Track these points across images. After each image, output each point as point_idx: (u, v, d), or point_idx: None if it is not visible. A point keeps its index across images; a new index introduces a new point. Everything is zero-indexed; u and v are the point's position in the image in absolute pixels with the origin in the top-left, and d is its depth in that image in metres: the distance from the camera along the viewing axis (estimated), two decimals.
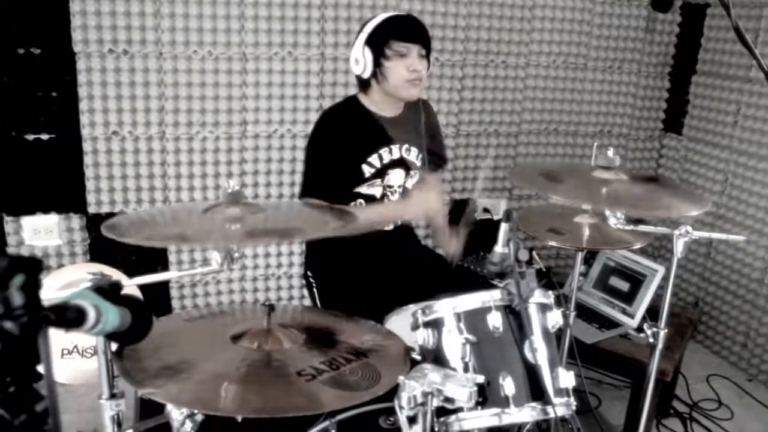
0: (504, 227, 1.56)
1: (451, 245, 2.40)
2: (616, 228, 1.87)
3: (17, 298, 0.65)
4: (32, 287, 0.66)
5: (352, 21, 3.05)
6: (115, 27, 2.76)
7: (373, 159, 2.28)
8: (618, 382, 3.02)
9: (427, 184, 2.32)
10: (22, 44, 2.67)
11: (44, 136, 2.79)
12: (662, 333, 1.95)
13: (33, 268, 0.67)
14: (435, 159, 2.51)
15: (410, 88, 2.24)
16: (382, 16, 2.25)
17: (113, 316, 0.84)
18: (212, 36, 2.90)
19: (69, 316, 0.77)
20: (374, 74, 2.23)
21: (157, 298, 3.09)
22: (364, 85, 2.30)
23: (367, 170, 2.28)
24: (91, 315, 0.80)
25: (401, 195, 2.38)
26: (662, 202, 1.93)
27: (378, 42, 2.20)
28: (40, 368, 0.68)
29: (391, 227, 2.40)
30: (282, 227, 1.54)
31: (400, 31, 2.21)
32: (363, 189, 2.30)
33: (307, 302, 2.74)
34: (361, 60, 2.22)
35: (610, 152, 1.92)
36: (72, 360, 2.50)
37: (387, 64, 2.20)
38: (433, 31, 2.28)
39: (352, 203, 2.29)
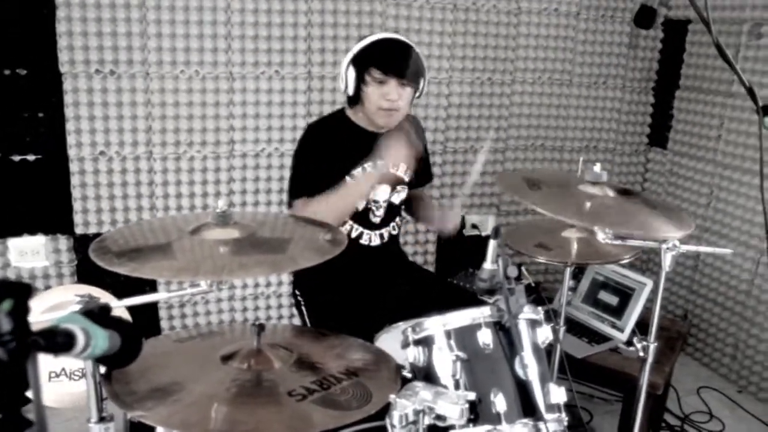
0: (492, 244, 1.57)
1: (445, 219, 2.40)
2: (604, 242, 1.87)
3: (5, 324, 0.65)
4: (20, 312, 0.66)
5: (338, 40, 3.07)
6: (102, 47, 2.76)
7: (357, 172, 2.28)
8: (609, 396, 3.02)
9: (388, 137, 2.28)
10: (8, 65, 2.66)
11: (31, 157, 2.78)
12: (652, 346, 1.95)
13: (21, 292, 0.66)
14: (421, 175, 2.52)
15: (384, 116, 2.23)
16: (371, 39, 2.22)
17: (102, 340, 0.83)
18: (199, 55, 2.90)
19: (58, 341, 0.76)
20: (356, 94, 2.23)
21: (146, 319, 3.07)
22: (349, 101, 2.31)
23: None
24: (81, 339, 0.79)
25: (386, 210, 2.38)
26: (646, 222, 1.92)
27: (360, 65, 2.19)
28: (29, 394, 0.68)
29: (377, 243, 2.39)
30: (274, 258, 1.54)
31: (381, 60, 2.17)
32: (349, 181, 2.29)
33: (297, 321, 2.73)
34: (344, 79, 2.23)
35: (597, 167, 1.93)
36: (60, 383, 2.47)
37: (365, 88, 2.20)
38: (419, 49, 2.27)
39: None
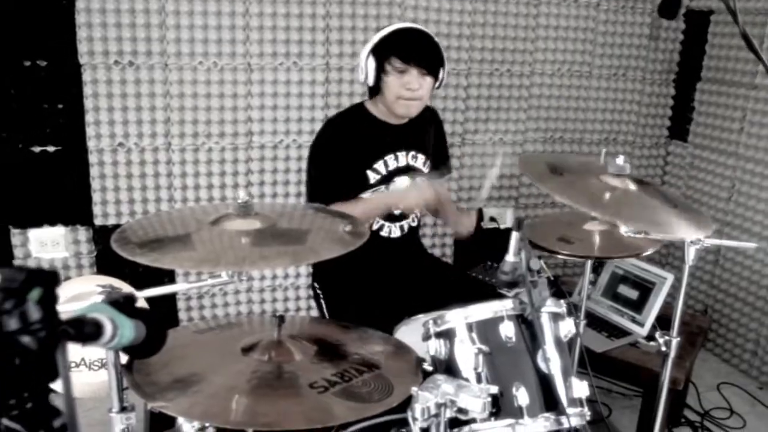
0: (515, 236, 1.55)
1: (462, 223, 2.40)
2: (626, 236, 1.85)
3: (35, 312, 0.64)
4: (49, 301, 0.66)
5: (357, 31, 3.05)
6: (121, 39, 2.77)
7: (379, 165, 2.28)
8: (627, 391, 2.99)
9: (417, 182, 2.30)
10: (28, 56, 2.67)
11: (50, 148, 2.79)
12: (674, 341, 1.93)
13: (50, 281, 0.66)
14: (441, 167, 2.51)
15: (404, 106, 2.22)
16: (391, 28, 2.21)
17: (129, 330, 0.83)
18: (217, 47, 2.90)
19: (86, 330, 0.76)
20: (376, 84, 2.22)
21: (165, 310, 3.09)
22: (370, 92, 2.30)
23: (372, 176, 2.28)
24: (108, 329, 0.79)
25: None
26: (664, 220, 1.85)
27: (380, 55, 2.18)
28: (58, 383, 0.67)
29: (398, 234, 2.39)
30: (295, 249, 1.54)
31: (402, 50, 2.16)
32: (368, 195, 2.29)
33: (315, 313, 2.73)
34: (364, 69, 2.21)
35: (620, 159, 1.89)
36: (80, 373, 2.49)
37: (385, 78, 2.19)
38: (438, 40, 2.26)
39: None
